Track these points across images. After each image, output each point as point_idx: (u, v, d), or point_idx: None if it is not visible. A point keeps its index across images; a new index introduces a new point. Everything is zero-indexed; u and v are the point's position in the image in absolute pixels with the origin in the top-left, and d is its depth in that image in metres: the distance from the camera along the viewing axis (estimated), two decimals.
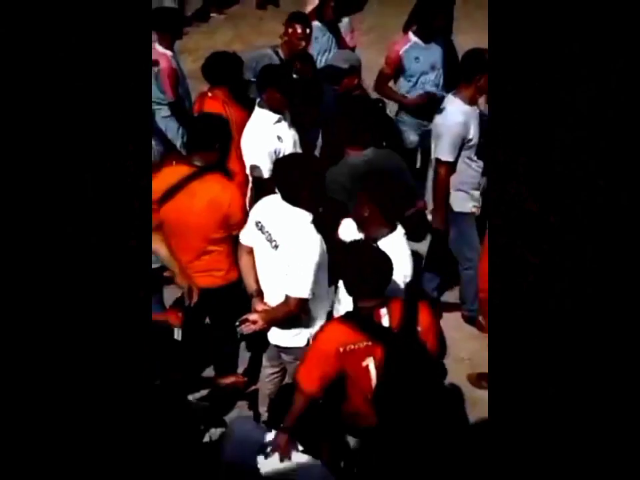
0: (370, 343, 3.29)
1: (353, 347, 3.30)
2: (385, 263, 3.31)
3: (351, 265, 3.33)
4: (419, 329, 3.33)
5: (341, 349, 3.30)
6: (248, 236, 3.99)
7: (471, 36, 6.25)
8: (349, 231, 3.97)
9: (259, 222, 3.91)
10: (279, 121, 4.77)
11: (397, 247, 3.73)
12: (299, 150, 4.89)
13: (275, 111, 4.76)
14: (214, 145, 4.12)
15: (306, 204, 3.75)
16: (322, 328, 3.58)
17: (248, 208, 4.31)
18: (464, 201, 4.79)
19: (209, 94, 5.16)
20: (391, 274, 3.31)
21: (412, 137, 5.74)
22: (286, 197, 3.78)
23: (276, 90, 4.69)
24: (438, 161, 4.70)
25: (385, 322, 3.31)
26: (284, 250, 3.76)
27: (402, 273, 3.64)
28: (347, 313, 3.46)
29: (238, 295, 4.20)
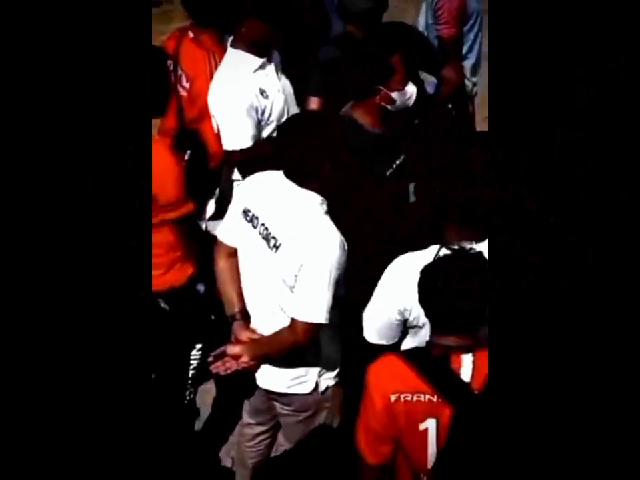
0: (435, 399, 2.28)
1: (409, 397, 2.29)
2: (485, 283, 2.31)
3: (433, 277, 2.33)
4: None
5: (393, 397, 2.30)
6: (231, 230, 2.86)
7: None
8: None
9: (249, 210, 2.77)
10: (261, 67, 3.46)
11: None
12: (293, 109, 3.63)
13: (257, 52, 3.43)
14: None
15: (322, 185, 2.70)
16: (371, 364, 2.43)
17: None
18: None
19: (190, 34, 3.64)
20: (487, 303, 2.32)
21: None
22: (294, 174, 2.68)
23: (258, 19, 3.33)
24: None
25: (466, 375, 2.30)
26: (288, 252, 2.66)
27: None
28: (412, 349, 2.54)
29: (196, 309, 3.16)
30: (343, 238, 2.67)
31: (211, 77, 3.59)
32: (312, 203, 2.69)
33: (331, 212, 2.76)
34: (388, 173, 3.29)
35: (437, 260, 2.42)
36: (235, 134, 3.43)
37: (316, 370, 2.87)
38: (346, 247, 2.67)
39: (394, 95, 3.24)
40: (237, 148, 3.44)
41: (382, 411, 2.33)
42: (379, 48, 3.26)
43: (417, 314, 2.65)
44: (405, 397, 2.30)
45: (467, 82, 4.62)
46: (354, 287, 2.82)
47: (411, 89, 3.31)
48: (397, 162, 3.29)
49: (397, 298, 2.68)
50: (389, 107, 3.27)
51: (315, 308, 2.64)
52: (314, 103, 3.82)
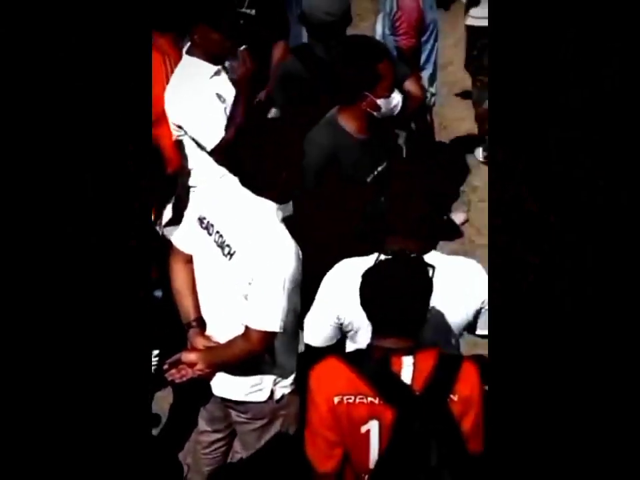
0: (377, 401, 2.30)
1: (352, 399, 2.31)
2: (426, 287, 2.36)
3: (374, 281, 2.36)
4: (455, 398, 2.32)
5: (336, 399, 2.32)
6: (186, 237, 2.84)
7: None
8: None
9: (204, 218, 2.77)
10: (217, 74, 3.49)
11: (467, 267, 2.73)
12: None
13: (212, 60, 3.49)
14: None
15: (279, 193, 2.70)
16: (313, 367, 2.44)
17: None
18: None
19: None
20: (427, 306, 2.37)
21: None
22: (250, 182, 2.68)
23: (211, 28, 3.39)
24: None
25: (406, 377, 2.31)
26: (243, 260, 2.64)
27: (477, 299, 2.65)
28: (354, 352, 2.56)
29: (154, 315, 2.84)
30: (297, 246, 2.66)
31: (167, 81, 3.60)
32: (267, 211, 2.68)
33: (296, 218, 2.79)
34: (368, 179, 3.30)
35: (378, 264, 2.43)
36: (209, 131, 3.44)
37: (271, 378, 2.85)
38: (301, 256, 2.66)
39: (380, 101, 3.22)
40: (218, 141, 3.44)
41: (327, 414, 2.34)
42: (367, 54, 3.25)
43: (351, 319, 2.67)
44: (347, 399, 2.32)
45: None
46: (311, 295, 2.80)
47: (397, 97, 3.28)
48: (379, 169, 3.31)
49: (333, 301, 2.71)
50: (374, 113, 3.25)
51: (269, 316, 2.62)
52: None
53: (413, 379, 2.31)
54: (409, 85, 3.83)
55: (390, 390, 2.31)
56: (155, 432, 3.61)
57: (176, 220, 3.38)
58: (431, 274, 2.40)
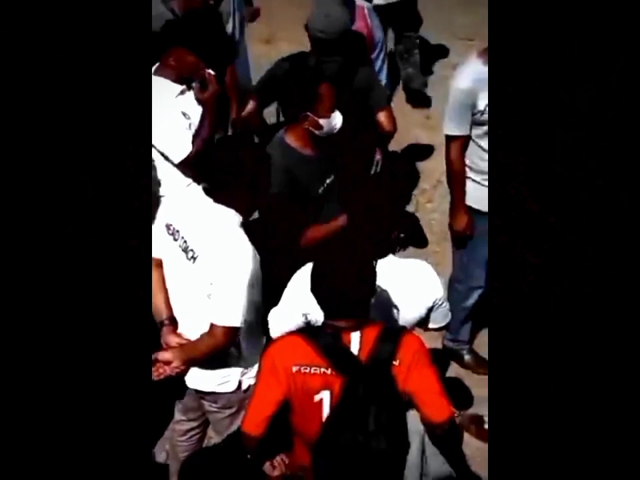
0: (330, 372, 2.56)
1: (307, 369, 2.57)
2: (370, 276, 2.59)
3: (323, 271, 2.60)
4: (396, 363, 2.57)
5: (294, 369, 2.58)
6: (155, 244, 2.97)
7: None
8: None
9: (171, 225, 3.02)
10: (182, 93, 3.68)
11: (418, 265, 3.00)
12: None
13: (180, 80, 3.67)
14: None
15: (240, 202, 2.93)
16: (274, 341, 2.77)
17: None
18: (477, 193, 3.69)
19: None
20: (373, 290, 2.60)
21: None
22: (214, 193, 2.93)
23: (189, 51, 3.61)
24: (446, 137, 3.67)
25: (354, 348, 2.57)
26: (204, 263, 2.90)
27: (428, 298, 2.93)
28: (309, 328, 2.80)
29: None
30: (254, 249, 2.90)
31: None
32: (227, 218, 2.91)
33: (255, 225, 3.11)
34: (320, 191, 3.56)
35: (326, 255, 2.66)
36: (176, 146, 3.62)
37: (239, 370, 3.06)
38: (258, 257, 2.90)
39: (321, 121, 3.44)
40: (185, 156, 3.62)
41: (285, 381, 2.58)
42: (305, 76, 3.53)
43: (317, 316, 2.81)
44: (304, 370, 2.58)
45: None
46: (271, 293, 3.05)
47: (337, 117, 3.49)
48: (328, 181, 3.57)
49: (299, 300, 2.89)
50: (316, 132, 3.47)
51: (231, 313, 2.85)
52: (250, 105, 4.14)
53: (360, 349, 2.57)
54: (382, 116, 4.07)
55: (340, 359, 2.57)
56: None
57: None
58: (374, 263, 2.65)
